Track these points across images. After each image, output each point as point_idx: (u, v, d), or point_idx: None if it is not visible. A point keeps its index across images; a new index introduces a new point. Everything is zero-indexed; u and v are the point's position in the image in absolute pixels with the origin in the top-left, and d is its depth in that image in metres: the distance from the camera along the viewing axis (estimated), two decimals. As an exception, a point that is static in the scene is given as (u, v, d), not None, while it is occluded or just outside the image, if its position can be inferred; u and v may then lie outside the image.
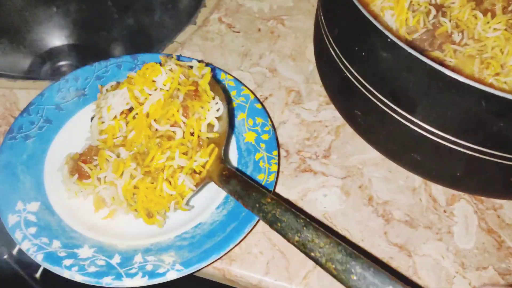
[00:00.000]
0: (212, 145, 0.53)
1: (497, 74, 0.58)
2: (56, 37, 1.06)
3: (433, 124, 0.49)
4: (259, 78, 0.71)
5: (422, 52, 0.59)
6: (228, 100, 0.62)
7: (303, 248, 0.44)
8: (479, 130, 0.47)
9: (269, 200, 0.47)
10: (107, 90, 0.57)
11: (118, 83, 0.58)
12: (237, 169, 0.58)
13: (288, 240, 0.45)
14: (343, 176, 0.61)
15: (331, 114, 0.67)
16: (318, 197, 0.60)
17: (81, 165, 0.53)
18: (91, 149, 0.55)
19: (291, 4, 0.82)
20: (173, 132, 0.53)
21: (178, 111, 0.53)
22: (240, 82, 0.65)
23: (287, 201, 0.59)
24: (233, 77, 0.65)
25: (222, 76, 0.65)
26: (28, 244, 0.50)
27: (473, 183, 0.54)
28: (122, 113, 0.54)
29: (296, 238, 0.45)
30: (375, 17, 0.61)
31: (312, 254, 0.44)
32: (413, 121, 0.50)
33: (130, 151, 0.52)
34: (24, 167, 0.56)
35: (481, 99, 0.44)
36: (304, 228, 0.45)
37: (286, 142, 0.64)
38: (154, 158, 0.51)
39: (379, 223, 0.58)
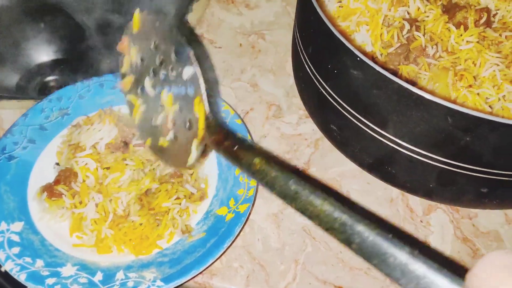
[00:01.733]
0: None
1: (470, 86, 0.60)
2: (43, 53, 1.07)
3: (404, 138, 0.51)
4: (240, 93, 0.73)
5: (395, 67, 0.61)
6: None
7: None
8: (448, 144, 0.49)
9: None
10: (78, 124, 0.59)
11: (88, 118, 0.61)
12: (217, 185, 0.60)
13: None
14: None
15: (311, 127, 0.68)
16: (298, 210, 0.61)
17: (53, 187, 0.55)
18: (65, 171, 0.56)
19: (272, 18, 0.83)
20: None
21: None
22: (221, 98, 0.67)
23: (265, 215, 0.60)
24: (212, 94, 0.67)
25: (202, 93, 0.66)
26: (11, 264, 0.51)
27: (446, 194, 0.56)
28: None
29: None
30: (349, 34, 0.62)
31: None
32: (385, 135, 0.52)
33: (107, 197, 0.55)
34: (8, 187, 0.57)
35: (447, 116, 0.45)
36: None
37: (266, 156, 0.66)
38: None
39: (357, 234, 0.59)
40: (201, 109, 0.42)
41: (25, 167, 0.59)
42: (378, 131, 0.52)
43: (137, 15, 0.46)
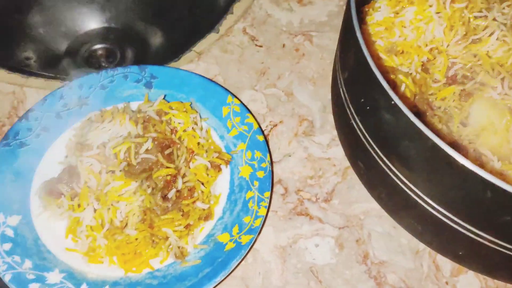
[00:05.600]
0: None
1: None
2: (94, 20, 1.05)
3: (434, 199, 0.43)
4: (273, 101, 0.66)
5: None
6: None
7: None
8: (484, 218, 0.41)
9: None
10: (89, 119, 0.56)
11: (102, 112, 0.57)
12: (225, 206, 0.55)
13: None
14: (341, 225, 0.57)
15: (342, 153, 0.61)
16: (309, 246, 0.55)
17: (55, 185, 0.53)
18: (69, 170, 0.54)
19: (325, 18, 0.75)
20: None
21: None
22: (246, 108, 0.61)
23: (272, 247, 0.55)
24: (240, 101, 0.61)
25: (228, 100, 0.61)
26: (-1, 262, 0.50)
27: (477, 264, 0.48)
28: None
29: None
30: (389, 72, 0.54)
31: None
32: (413, 190, 0.45)
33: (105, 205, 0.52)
34: (13, 176, 0.56)
35: (486, 189, 0.37)
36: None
37: (287, 178, 0.60)
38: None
39: (369, 286, 0.53)
40: None
41: (34, 157, 0.58)
42: (406, 183, 0.45)
43: None
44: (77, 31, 1.05)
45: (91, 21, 1.05)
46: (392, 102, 0.40)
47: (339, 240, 0.56)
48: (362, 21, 0.60)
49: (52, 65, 0.97)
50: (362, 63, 0.43)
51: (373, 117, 0.45)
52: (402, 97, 0.53)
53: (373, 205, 0.57)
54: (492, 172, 0.46)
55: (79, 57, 1.03)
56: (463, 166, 0.37)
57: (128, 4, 1.04)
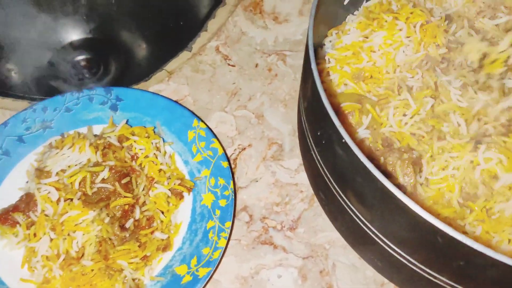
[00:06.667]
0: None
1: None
2: (78, 31, 1.04)
3: (389, 238, 0.42)
4: (243, 123, 0.65)
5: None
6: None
7: None
8: (437, 260, 0.39)
9: None
10: (50, 145, 0.55)
11: (63, 137, 0.56)
12: (185, 236, 0.54)
13: None
14: (305, 255, 0.55)
15: (310, 178, 0.60)
16: (271, 277, 0.54)
17: (10, 214, 0.51)
18: (27, 197, 0.52)
19: (300, 37, 0.74)
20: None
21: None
22: (212, 132, 0.60)
23: (234, 277, 0.54)
24: (206, 125, 0.60)
25: (194, 123, 0.60)
26: None
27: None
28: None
29: None
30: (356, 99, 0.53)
31: None
32: (370, 228, 0.43)
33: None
34: (-30, 204, 0.55)
35: (436, 235, 0.36)
36: None
37: (252, 204, 0.59)
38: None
39: (331, 320, 0.51)
40: None
41: (-7, 183, 0.56)
42: (362, 220, 0.44)
43: None
44: (61, 41, 1.04)
45: (74, 32, 1.04)
46: (343, 140, 0.39)
47: (303, 270, 0.54)
48: (332, 46, 0.59)
49: (34, 77, 0.96)
50: (316, 97, 0.42)
51: (329, 151, 0.44)
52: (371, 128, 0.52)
53: (339, 235, 0.56)
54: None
55: (62, 68, 1.01)
56: (411, 211, 0.35)
57: (110, 15, 1.02)
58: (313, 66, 0.42)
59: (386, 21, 0.57)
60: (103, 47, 1.01)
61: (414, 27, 0.56)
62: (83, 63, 1.03)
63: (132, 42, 1.01)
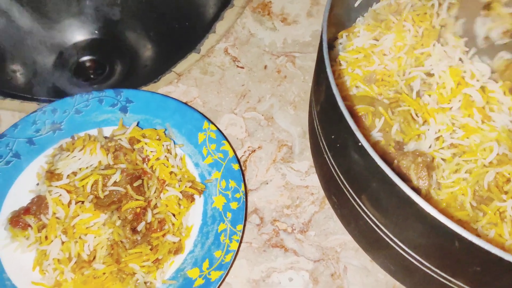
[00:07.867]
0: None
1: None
2: (83, 32, 1.04)
3: (404, 242, 0.42)
4: (252, 125, 0.65)
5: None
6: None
7: None
8: (453, 265, 0.39)
9: None
10: (61, 147, 0.54)
11: (73, 139, 0.56)
12: (196, 239, 0.54)
13: None
14: (316, 258, 0.55)
15: (320, 181, 0.60)
16: (283, 280, 0.54)
17: (21, 216, 0.51)
18: (38, 200, 0.52)
19: (309, 39, 0.74)
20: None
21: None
22: (223, 134, 0.60)
23: (245, 281, 0.54)
24: (216, 127, 0.60)
25: (204, 126, 0.60)
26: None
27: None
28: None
29: None
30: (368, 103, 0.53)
31: None
32: (385, 231, 0.43)
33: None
34: (-20, 206, 0.55)
35: (454, 239, 0.36)
36: None
37: (263, 207, 0.59)
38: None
39: (343, 323, 0.51)
40: None
41: (3, 185, 0.56)
42: (377, 224, 0.44)
43: None
44: (66, 42, 1.04)
45: (80, 33, 1.04)
46: (359, 144, 0.39)
47: (314, 274, 0.54)
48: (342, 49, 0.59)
49: (39, 78, 0.96)
50: (331, 101, 0.42)
51: (344, 155, 0.44)
52: (383, 131, 0.52)
53: (350, 238, 0.56)
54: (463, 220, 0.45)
55: (67, 69, 1.01)
56: (429, 215, 0.35)
57: (117, 16, 1.02)
58: (329, 70, 0.42)
59: (393, 22, 0.57)
60: (109, 48, 1.01)
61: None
62: (88, 64, 1.03)
63: (137, 43, 1.01)
